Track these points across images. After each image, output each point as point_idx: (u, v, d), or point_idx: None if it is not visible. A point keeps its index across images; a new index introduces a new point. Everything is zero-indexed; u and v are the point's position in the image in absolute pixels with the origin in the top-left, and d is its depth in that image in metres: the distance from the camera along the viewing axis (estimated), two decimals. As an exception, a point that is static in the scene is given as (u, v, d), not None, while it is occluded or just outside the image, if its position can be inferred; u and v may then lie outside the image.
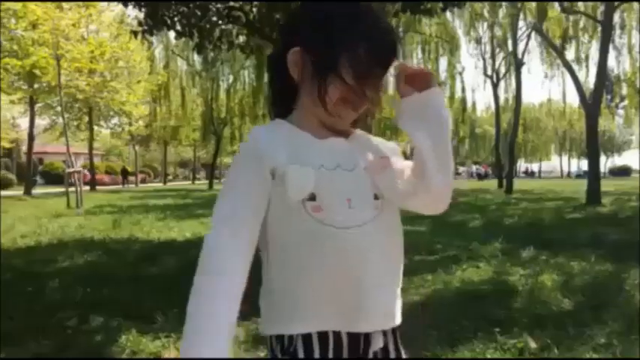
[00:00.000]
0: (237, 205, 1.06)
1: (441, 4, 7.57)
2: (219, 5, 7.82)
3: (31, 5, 15.65)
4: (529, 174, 66.34)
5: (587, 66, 29.17)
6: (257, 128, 1.12)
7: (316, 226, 1.03)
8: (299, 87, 1.12)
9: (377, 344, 1.10)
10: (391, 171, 1.12)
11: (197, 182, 43.11)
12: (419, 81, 1.10)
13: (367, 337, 1.09)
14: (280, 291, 1.08)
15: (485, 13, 26.80)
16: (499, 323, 3.66)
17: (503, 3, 24.55)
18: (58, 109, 20.75)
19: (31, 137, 23.37)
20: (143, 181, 41.20)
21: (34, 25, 15.96)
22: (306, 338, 1.05)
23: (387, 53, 1.09)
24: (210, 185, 31.05)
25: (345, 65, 1.05)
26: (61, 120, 20.97)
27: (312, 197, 1.03)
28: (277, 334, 1.08)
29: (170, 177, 46.49)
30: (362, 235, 1.06)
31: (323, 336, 1.05)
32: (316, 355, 1.04)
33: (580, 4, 20.55)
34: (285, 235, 1.06)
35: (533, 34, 24.46)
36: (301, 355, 1.04)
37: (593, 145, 15.61)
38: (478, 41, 29.34)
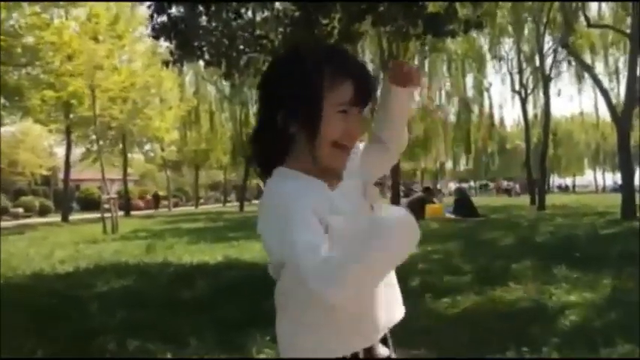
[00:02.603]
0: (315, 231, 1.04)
1: (462, 26, 7.68)
2: (245, 34, 8.08)
3: (67, 37, 16.28)
4: (563, 189, 65.10)
5: (617, 79, 28.78)
6: (282, 182, 1.15)
7: None
8: (292, 140, 1.18)
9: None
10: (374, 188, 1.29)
11: (228, 205, 43.54)
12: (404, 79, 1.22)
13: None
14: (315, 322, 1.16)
15: (510, 30, 26.71)
16: (528, 342, 3.67)
17: (528, 19, 24.45)
18: (94, 137, 21.40)
19: (67, 165, 24.08)
20: (176, 205, 41.81)
21: (69, 57, 16.58)
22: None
23: (370, 93, 1.18)
24: (241, 207, 31.35)
25: (334, 114, 1.15)
26: (95, 147, 21.62)
27: None
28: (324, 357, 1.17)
29: (202, 200, 47.04)
30: None
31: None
32: None
33: (607, 17, 20.34)
34: None
35: (560, 48, 24.22)
36: None
37: (626, 158, 15.35)
38: (504, 58, 29.24)
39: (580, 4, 19.15)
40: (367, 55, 24.16)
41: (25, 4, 15.62)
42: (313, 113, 1.13)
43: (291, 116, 1.14)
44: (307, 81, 1.13)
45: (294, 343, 1.20)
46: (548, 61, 25.43)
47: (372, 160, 1.29)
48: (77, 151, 28.10)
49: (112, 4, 19.99)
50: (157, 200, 38.69)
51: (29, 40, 15.80)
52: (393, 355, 1.28)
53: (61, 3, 16.54)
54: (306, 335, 1.18)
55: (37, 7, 15.81)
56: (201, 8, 7.54)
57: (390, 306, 1.24)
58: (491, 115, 38.06)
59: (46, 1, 15.50)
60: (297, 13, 7.85)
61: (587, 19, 19.54)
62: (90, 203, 31.70)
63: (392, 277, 1.26)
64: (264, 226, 1.12)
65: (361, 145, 1.29)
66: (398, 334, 1.34)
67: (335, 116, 1.14)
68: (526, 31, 26.72)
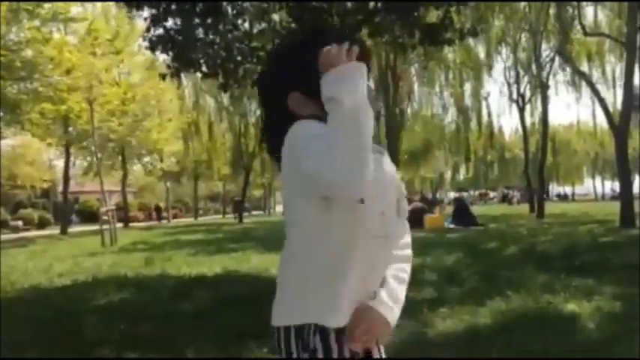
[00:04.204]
0: None
1: (457, 34, 7.73)
2: (242, 45, 8.12)
3: (67, 53, 16.36)
4: (562, 197, 65.09)
5: (614, 87, 28.89)
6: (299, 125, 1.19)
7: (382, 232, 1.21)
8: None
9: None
10: None
11: (227, 216, 43.49)
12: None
13: None
14: (320, 281, 1.18)
15: (508, 38, 26.84)
16: (529, 352, 3.66)
17: (525, 27, 24.58)
18: (93, 149, 21.44)
19: (66, 178, 24.08)
20: (175, 216, 41.75)
21: (68, 71, 16.64)
22: (340, 332, 1.18)
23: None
24: (240, 219, 31.31)
25: None
26: (95, 160, 21.64)
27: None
28: (314, 323, 1.17)
29: (201, 211, 46.97)
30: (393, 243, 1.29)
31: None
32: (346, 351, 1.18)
33: (604, 26, 20.46)
34: (344, 234, 1.17)
35: (557, 57, 24.34)
36: (336, 350, 1.17)
37: (624, 166, 15.40)
38: (502, 67, 29.32)
39: (576, 12, 19.26)
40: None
41: (24, 19, 15.70)
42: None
43: (309, 95, 1.21)
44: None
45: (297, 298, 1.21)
46: (546, 69, 25.56)
47: None
48: (77, 164, 28.18)
49: (111, 18, 20.15)
50: (158, 212, 38.64)
51: (28, 54, 15.85)
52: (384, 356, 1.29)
53: (60, 17, 16.58)
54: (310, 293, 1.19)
55: (36, 22, 15.89)
56: (197, 20, 7.58)
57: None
58: (489, 124, 38.11)
59: (44, 1, 15.48)
60: (293, 25, 7.90)
61: (583, 27, 19.64)
62: (89, 215, 31.65)
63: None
64: (286, 167, 1.19)
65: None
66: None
67: None
68: (523, 40, 26.85)
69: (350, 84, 1.09)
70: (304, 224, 1.20)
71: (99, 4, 22.18)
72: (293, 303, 1.20)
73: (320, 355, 1.16)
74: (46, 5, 15.62)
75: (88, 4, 21.46)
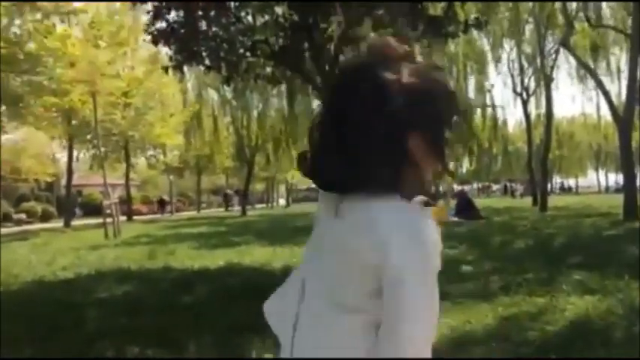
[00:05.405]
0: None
1: (461, 27, 7.69)
2: (245, 39, 8.09)
3: (70, 46, 16.31)
4: (565, 190, 64.96)
5: (618, 79, 28.76)
6: (426, 223, 1.08)
7: None
8: (413, 168, 1.07)
9: None
10: None
11: (230, 209, 43.54)
12: None
13: None
14: None
15: (512, 31, 26.69)
16: (528, 346, 3.66)
17: (529, 20, 24.45)
18: (96, 142, 21.44)
19: (70, 171, 24.10)
20: (178, 209, 41.83)
21: (71, 64, 16.60)
22: None
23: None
24: (244, 212, 31.35)
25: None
26: (98, 153, 21.66)
27: None
28: None
29: (204, 205, 47.04)
30: None
31: None
32: None
33: (608, 17, 20.34)
34: None
35: (561, 49, 24.20)
36: None
37: (628, 158, 15.34)
38: (506, 59, 29.21)
39: (581, 4, 19.16)
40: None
41: (26, 11, 15.65)
42: (444, 141, 1.07)
43: (434, 139, 1.04)
44: (452, 109, 1.08)
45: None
46: (550, 62, 25.42)
47: None
48: (80, 157, 28.22)
49: (114, 11, 20.09)
50: (162, 205, 38.68)
51: (31, 46, 15.81)
52: None
53: (62, 10, 16.51)
54: None
55: (37, 15, 15.84)
56: (200, 13, 7.55)
57: None
58: (493, 117, 38.03)
59: (46, 1, 15.42)
60: (296, 18, 7.86)
61: (587, 19, 19.53)
62: (92, 208, 31.64)
63: None
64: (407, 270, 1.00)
65: None
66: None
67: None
68: (527, 33, 26.72)
69: None
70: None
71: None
72: None
73: None
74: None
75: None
